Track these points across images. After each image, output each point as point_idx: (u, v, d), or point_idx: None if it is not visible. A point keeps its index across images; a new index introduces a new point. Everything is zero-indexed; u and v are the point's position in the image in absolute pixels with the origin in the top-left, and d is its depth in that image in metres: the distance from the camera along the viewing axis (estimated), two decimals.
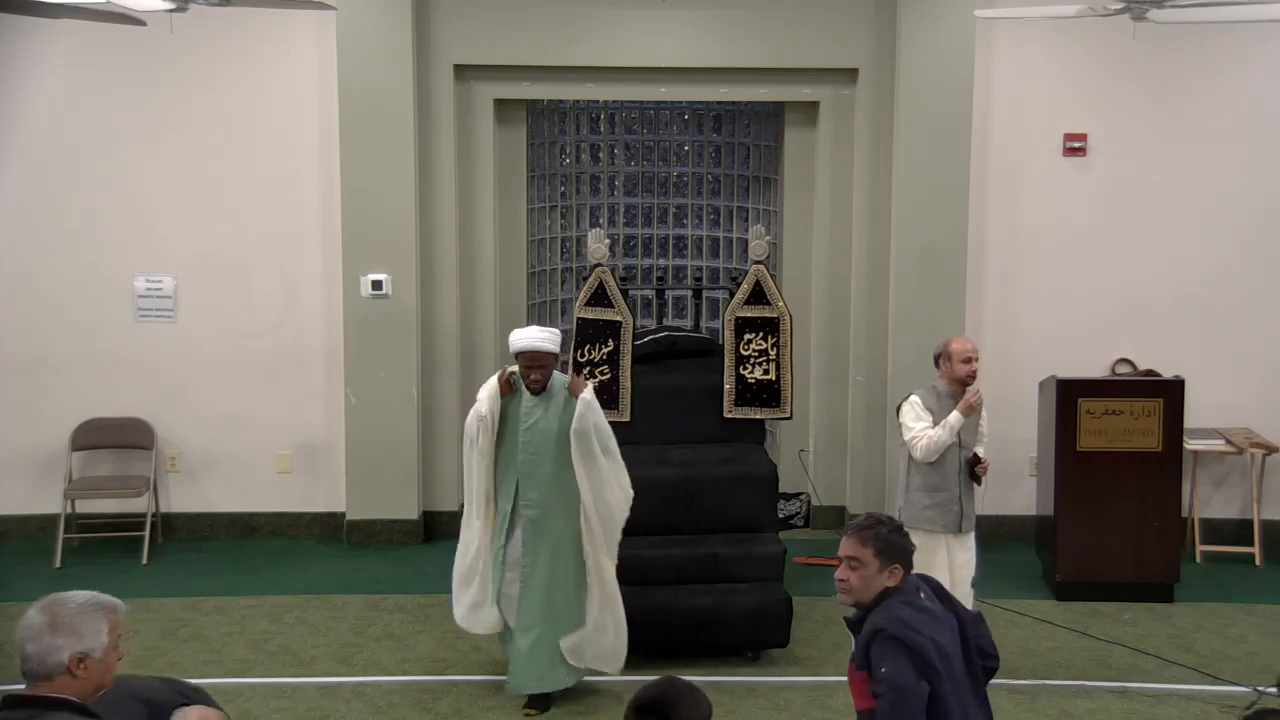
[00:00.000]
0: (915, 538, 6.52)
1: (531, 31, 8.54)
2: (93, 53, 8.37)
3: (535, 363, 6.36)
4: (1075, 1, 6.57)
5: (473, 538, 6.48)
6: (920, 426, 6.52)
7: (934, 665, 3.84)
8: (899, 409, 6.69)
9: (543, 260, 9.57)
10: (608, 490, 6.36)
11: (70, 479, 8.56)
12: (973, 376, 6.56)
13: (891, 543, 4.01)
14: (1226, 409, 8.67)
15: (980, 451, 6.66)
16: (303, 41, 8.49)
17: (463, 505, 6.56)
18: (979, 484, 6.65)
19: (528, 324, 9.30)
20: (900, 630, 3.86)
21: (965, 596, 6.58)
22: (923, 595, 4.03)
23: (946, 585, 6.40)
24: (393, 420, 8.63)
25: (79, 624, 3.35)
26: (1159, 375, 8.39)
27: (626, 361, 7.32)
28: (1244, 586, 8.14)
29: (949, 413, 6.48)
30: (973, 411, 6.51)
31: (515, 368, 6.46)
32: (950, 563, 6.52)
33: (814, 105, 8.84)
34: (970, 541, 6.64)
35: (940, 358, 6.61)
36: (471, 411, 6.43)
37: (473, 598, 6.52)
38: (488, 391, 6.42)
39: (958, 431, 6.50)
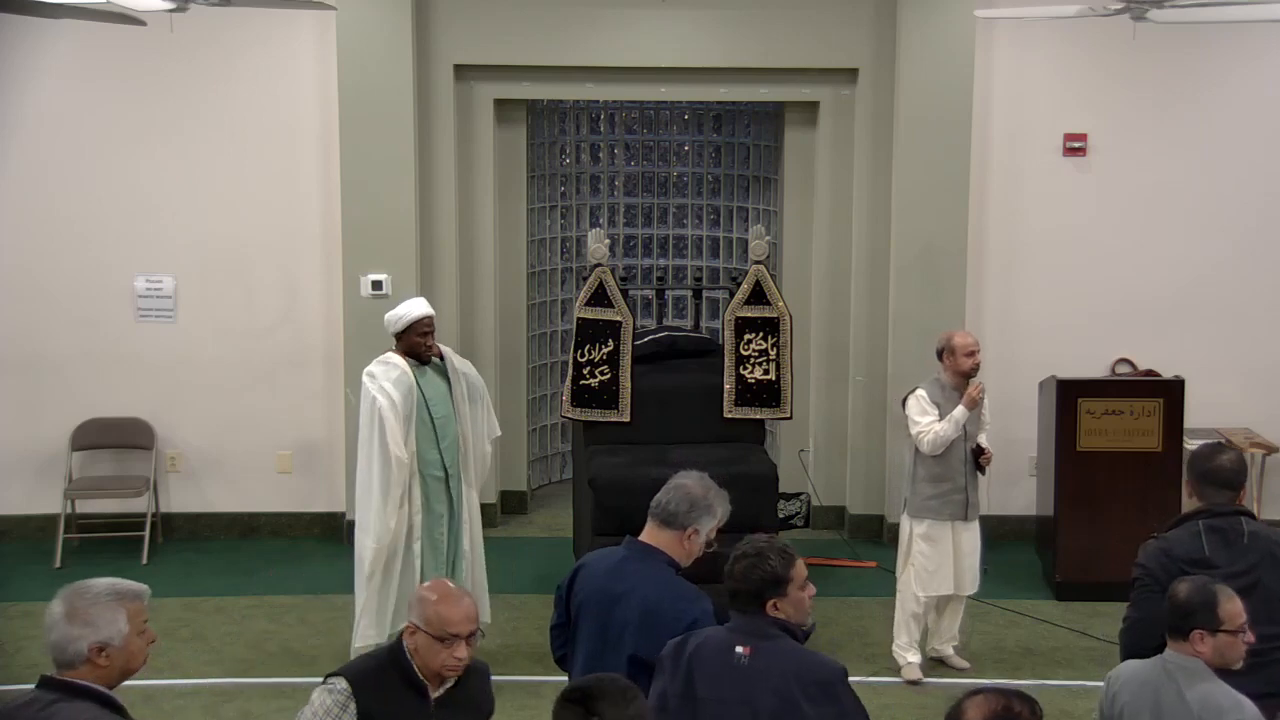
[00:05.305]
0: (922, 526, 6.83)
1: (531, 31, 8.53)
2: (93, 53, 8.36)
3: (432, 327, 6.55)
4: (1075, 1, 6.56)
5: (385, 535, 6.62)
6: (926, 420, 6.67)
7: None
8: (904, 402, 6.81)
9: (543, 260, 9.57)
10: (485, 440, 6.83)
11: (70, 479, 8.56)
12: (977, 369, 6.75)
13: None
14: (1226, 409, 8.66)
15: (983, 439, 6.86)
16: (303, 41, 8.48)
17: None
18: (983, 473, 6.86)
19: (527, 324, 9.34)
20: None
21: (974, 581, 6.91)
22: (741, 650, 3.92)
23: (949, 571, 6.75)
24: None
25: (94, 614, 3.39)
26: (1159, 375, 8.40)
27: (626, 361, 7.32)
28: None
29: (954, 405, 6.64)
30: (975, 405, 6.68)
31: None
32: (956, 550, 6.78)
33: (814, 105, 8.83)
34: (976, 528, 6.86)
35: (944, 352, 6.76)
36: (382, 397, 6.46)
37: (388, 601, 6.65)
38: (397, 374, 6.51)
39: (963, 425, 6.65)
